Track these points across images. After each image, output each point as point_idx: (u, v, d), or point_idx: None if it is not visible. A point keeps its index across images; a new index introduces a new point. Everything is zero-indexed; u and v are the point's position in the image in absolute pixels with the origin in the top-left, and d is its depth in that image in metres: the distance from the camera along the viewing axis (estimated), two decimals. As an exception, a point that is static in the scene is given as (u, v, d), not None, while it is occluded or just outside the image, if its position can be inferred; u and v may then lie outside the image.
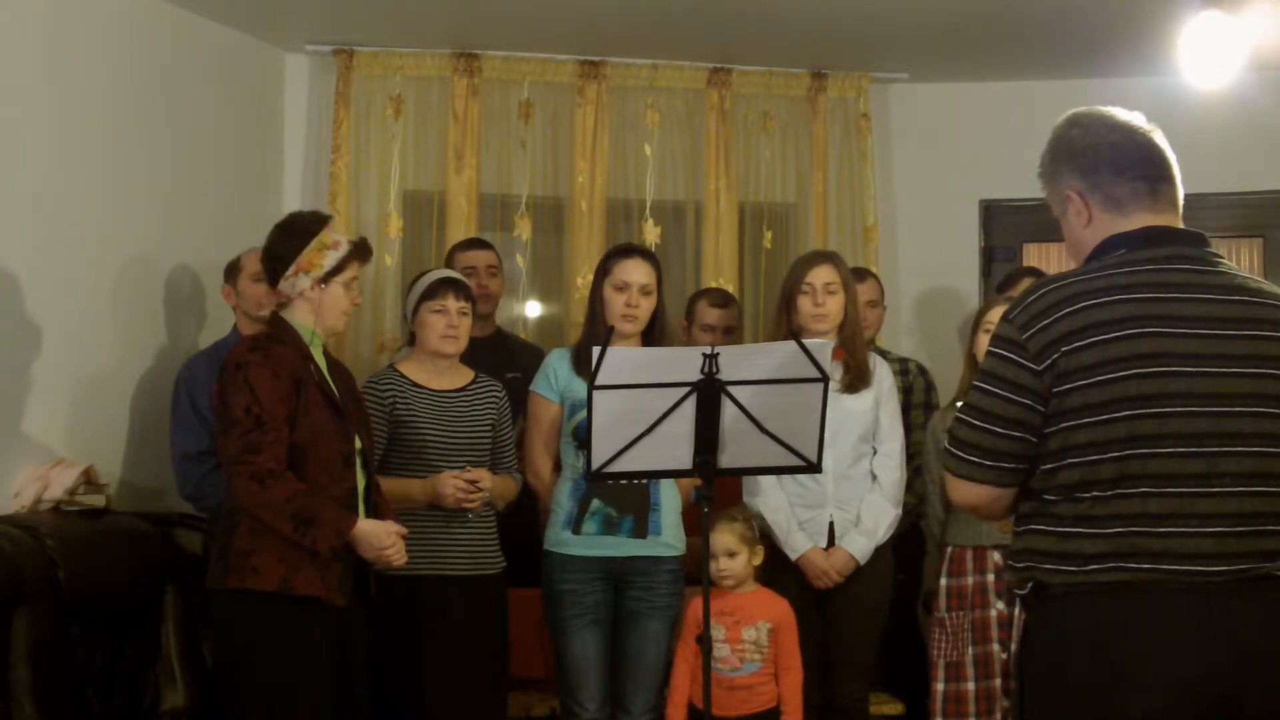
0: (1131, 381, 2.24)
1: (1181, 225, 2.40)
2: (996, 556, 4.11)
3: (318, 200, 5.50)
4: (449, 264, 4.83)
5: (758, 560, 3.95)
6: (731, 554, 3.89)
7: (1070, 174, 2.43)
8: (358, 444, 3.57)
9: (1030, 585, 2.33)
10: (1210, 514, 2.23)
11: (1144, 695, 2.20)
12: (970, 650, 4.14)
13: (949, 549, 4.23)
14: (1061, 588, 2.28)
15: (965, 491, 2.40)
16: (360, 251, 3.62)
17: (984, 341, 4.19)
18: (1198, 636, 2.21)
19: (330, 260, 3.53)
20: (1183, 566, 2.22)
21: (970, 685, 4.13)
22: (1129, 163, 2.39)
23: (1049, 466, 2.30)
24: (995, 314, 4.25)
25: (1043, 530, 2.32)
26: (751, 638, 3.89)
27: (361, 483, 3.58)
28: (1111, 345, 2.24)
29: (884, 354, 5.03)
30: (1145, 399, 2.23)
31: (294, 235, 3.57)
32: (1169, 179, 2.41)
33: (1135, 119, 2.44)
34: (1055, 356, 2.26)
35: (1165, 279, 2.30)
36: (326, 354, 3.69)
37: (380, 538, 3.46)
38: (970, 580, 4.17)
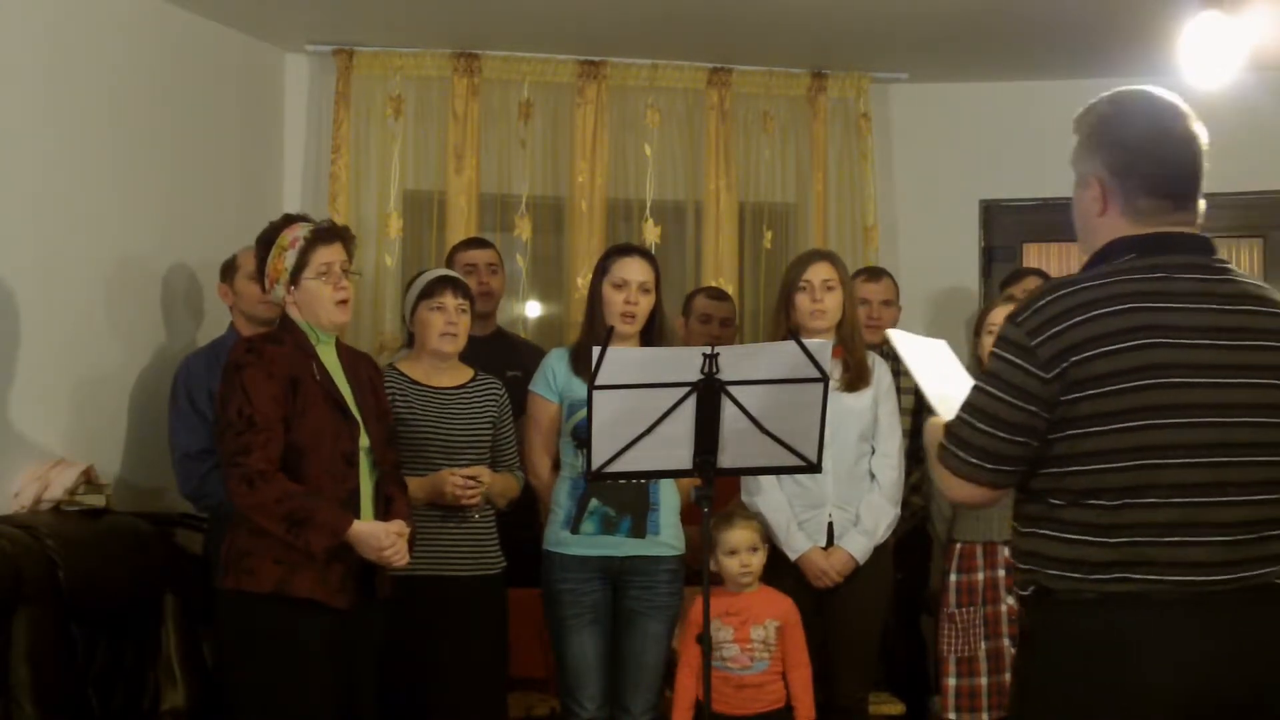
0: (1143, 392, 2.23)
1: (1193, 230, 2.37)
2: (1007, 552, 4.11)
3: (318, 200, 5.50)
4: (449, 264, 4.82)
5: (764, 559, 3.98)
6: (754, 549, 3.94)
7: (1100, 164, 2.39)
8: (364, 442, 3.53)
9: (1033, 589, 2.33)
10: (1217, 523, 2.23)
11: (1148, 706, 2.19)
12: (983, 645, 4.14)
13: (957, 545, 4.22)
14: (1066, 595, 2.27)
15: (962, 490, 2.40)
16: (321, 236, 3.54)
17: (988, 343, 4.20)
18: (1203, 646, 2.20)
19: (290, 260, 3.50)
20: (1188, 576, 2.21)
21: (983, 680, 4.13)
22: (1162, 179, 2.35)
23: (1054, 470, 2.29)
24: (999, 315, 4.24)
25: (1048, 535, 2.31)
26: (760, 637, 3.90)
27: (369, 482, 3.56)
28: (1124, 355, 2.23)
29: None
30: (1156, 409, 2.23)
31: (262, 247, 3.58)
32: (1194, 194, 2.38)
33: (1178, 118, 2.40)
34: (1066, 365, 2.24)
35: (1174, 287, 2.29)
36: (343, 349, 3.67)
37: (379, 538, 3.42)
38: (981, 576, 4.17)
